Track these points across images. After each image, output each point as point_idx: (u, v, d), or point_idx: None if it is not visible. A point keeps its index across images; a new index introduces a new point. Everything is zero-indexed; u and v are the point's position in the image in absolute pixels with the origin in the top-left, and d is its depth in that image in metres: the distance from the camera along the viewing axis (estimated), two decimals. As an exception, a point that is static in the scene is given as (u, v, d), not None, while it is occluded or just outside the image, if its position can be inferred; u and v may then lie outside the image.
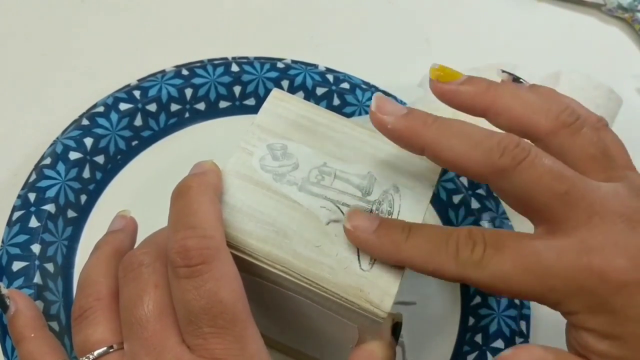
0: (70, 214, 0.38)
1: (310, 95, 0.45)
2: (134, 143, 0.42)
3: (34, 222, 0.36)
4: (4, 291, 0.30)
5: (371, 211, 0.28)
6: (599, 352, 0.25)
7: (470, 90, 0.28)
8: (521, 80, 0.30)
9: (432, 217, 0.42)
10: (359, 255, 0.27)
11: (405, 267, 0.27)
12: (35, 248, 0.35)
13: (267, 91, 0.36)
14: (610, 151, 0.27)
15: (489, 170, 0.25)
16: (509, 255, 0.25)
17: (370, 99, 0.45)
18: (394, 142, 0.28)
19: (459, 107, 0.29)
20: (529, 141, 0.26)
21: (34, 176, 0.38)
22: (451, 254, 0.25)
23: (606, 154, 0.27)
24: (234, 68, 0.45)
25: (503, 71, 0.30)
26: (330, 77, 0.46)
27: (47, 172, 0.38)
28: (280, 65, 0.46)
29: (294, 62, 0.46)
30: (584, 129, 0.27)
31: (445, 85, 0.28)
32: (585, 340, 0.25)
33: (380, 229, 0.26)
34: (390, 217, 0.28)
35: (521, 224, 0.42)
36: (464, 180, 0.42)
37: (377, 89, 0.46)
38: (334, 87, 0.45)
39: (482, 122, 0.28)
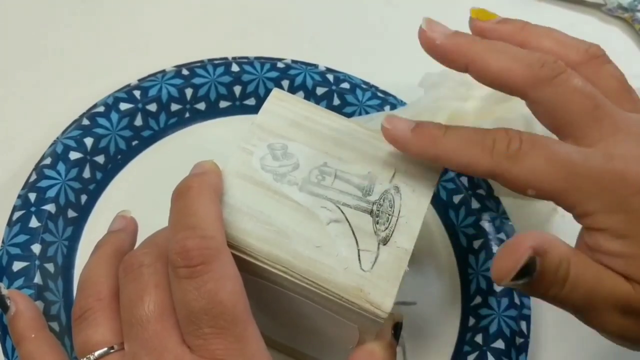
0: (71, 214, 0.38)
1: (310, 95, 0.45)
2: (134, 143, 0.42)
3: (34, 222, 0.36)
4: (4, 291, 0.30)
5: (371, 211, 0.28)
6: (610, 251, 0.26)
7: (507, 28, 0.30)
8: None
9: (432, 217, 0.42)
10: (359, 256, 0.27)
11: (405, 268, 0.27)
12: (36, 248, 0.35)
13: (267, 91, 0.36)
14: (629, 86, 0.29)
15: (528, 82, 0.27)
16: (542, 151, 0.26)
17: (370, 99, 0.45)
18: (439, 60, 0.29)
19: (500, 37, 0.30)
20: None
21: (34, 176, 0.38)
22: (487, 147, 0.27)
23: (627, 88, 0.29)
24: (234, 68, 0.45)
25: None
26: (330, 77, 0.46)
27: (48, 172, 0.38)
28: (280, 65, 0.46)
29: (294, 62, 0.46)
30: (609, 64, 0.29)
31: (485, 24, 0.31)
32: (596, 240, 0.26)
33: (417, 128, 0.28)
34: (390, 217, 0.28)
35: (521, 224, 0.42)
36: (464, 180, 0.42)
37: (377, 89, 0.46)
38: (334, 87, 0.45)
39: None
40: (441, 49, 0.29)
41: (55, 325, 0.33)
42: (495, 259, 0.26)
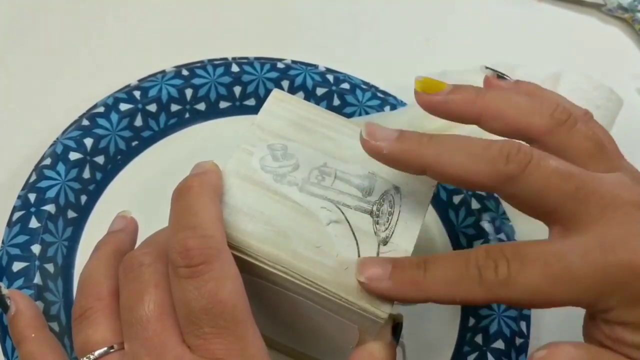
0: (71, 214, 0.38)
1: (310, 96, 0.45)
2: (134, 143, 0.42)
3: (34, 223, 0.36)
4: (5, 291, 0.30)
5: (371, 212, 0.28)
6: (635, 344, 0.25)
7: (458, 99, 0.28)
8: (505, 76, 0.30)
9: (432, 217, 0.42)
10: (359, 256, 0.27)
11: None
12: (36, 248, 0.35)
13: (267, 91, 0.36)
14: (603, 142, 0.27)
15: (495, 180, 0.25)
16: (534, 267, 0.24)
17: (370, 99, 0.45)
18: (393, 167, 0.27)
19: (450, 116, 0.28)
20: (527, 144, 0.26)
21: (34, 177, 0.38)
22: (474, 279, 0.24)
23: (601, 146, 0.27)
24: (234, 68, 0.45)
25: (487, 67, 0.30)
26: (330, 77, 0.46)
27: (47, 172, 0.38)
28: (280, 65, 0.46)
29: (294, 62, 0.46)
30: (577, 125, 0.27)
31: (433, 97, 0.28)
32: (618, 334, 0.25)
33: (395, 273, 0.25)
34: (390, 217, 0.28)
35: (522, 224, 0.42)
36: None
37: (377, 89, 0.46)
38: (334, 88, 0.45)
39: (474, 130, 0.28)
40: (392, 157, 0.26)
41: (55, 325, 0.33)
42: None
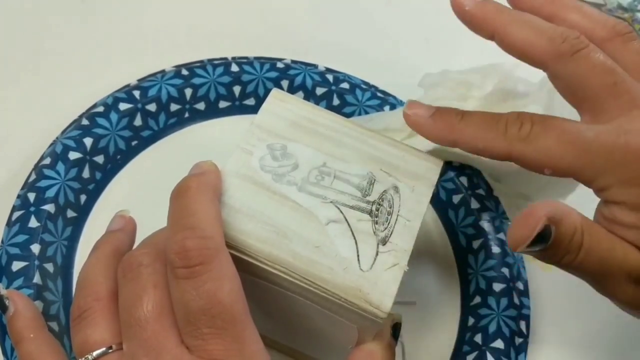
0: (70, 214, 0.38)
1: (310, 95, 0.45)
2: (133, 143, 0.42)
3: (33, 222, 0.36)
4: (3, 292, 0.30)
5: (371, 211, 0.28)
6: (625, 222, 0.27)
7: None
8: None
9: (431, 217, 0.42)
10: (358, 256, 0.27)
11: (404, 268, 0.27)
12: (35, 248, 0.35)
13: (267, 91, 0.36)
14: None
15: (550, 56, 0.28)
16: (553, 132, 0.27)
17: (370, 99, 0.45)
18: (467, 26, 0.30)
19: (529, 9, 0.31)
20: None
21: (33, 176, 0.38)
22: (501, 131, 0.28)
23: None
24: (234, 68, 0.45)
25: None
26: (330, 77, 0.46)
27: (47, 172, 0.38)
28: (280, 65, 0.46)
29: (293, 62, 0.46)
30: (634, 41, 0.30)
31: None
32: (613, 212, 0.27)
33: (436, 114, 0.30)
34: (389, 217, 0.28)
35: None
36: (463, 180, 0.42)
37: (376, 89, 0.46)
38: (333, 87, 0.45)
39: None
40: (469, 15, 0.30)
41: (54, 325, 0.33)
42: (510, 228, 0.27)
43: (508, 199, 0.42)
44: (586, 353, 0.39)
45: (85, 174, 0.39)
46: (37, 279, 0.34)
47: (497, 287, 0.38)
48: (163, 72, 0.44)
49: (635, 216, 0.27)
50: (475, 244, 0.40)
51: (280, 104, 0.31)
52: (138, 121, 0.42)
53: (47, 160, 0.38)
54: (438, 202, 0.43)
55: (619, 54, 0.29)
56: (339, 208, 0.28)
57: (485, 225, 0.40)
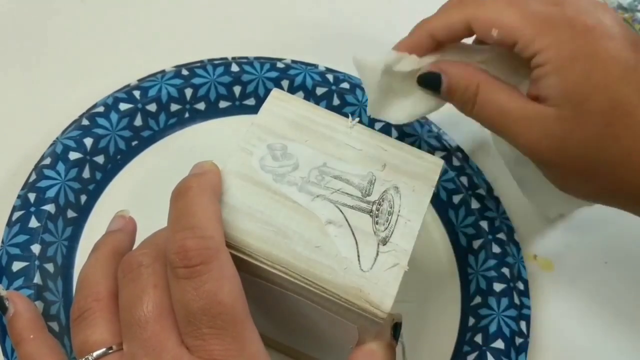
0: (70, 214, 0.38)
1: (310, 95, 0.45)
2: (133, 143, 0.42)
3: (33, 223, 0.36)
4: (3, 292, 0.30)
5: (371, 212, 0.28)
6: (546, 85, 0.31)
7: None
8: None
9: (432, 217, 0.42)
10: (358, 256, 0.27)
11: (405, 268, 0.27)
12: (35, 248, 0.35)
13: (267, 91, 0.36)
14: None
15: None
16: None
17: (370, 98, 0.45)
18: None
19: None
20: None
21: (33, 176, 0.38)
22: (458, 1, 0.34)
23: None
24: (234, 68, 0.45)
25: None
26: (330, 77, 0.46)
27: (47, 172, 0.38)
28: (280, 65, 0.46)
29: (293, 62, 0.46)
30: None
31: None
32: (537, 74, 0.31)
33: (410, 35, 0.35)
34: (390, 217, 0.28)
35: (522, 224, 0.42)
36: (464, 180, 0.42)
37: (377, 89, 0.46)
38: (333, 87, 0.45)
39: None
40: None
41: (54, 325, 0.33)
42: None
43: (509, 199, 0.42)
44: (586, 353, 0.39)
45: (86, 174, 0.39)
46: (37, 279, 0.34)
47: (498, 287, 0.38)
48: (163, 72, 0.44)
49: (553, 79, 0.30)
50: (476, 244, 0.40)
51: (281, 104, 0.31)
52: (138, 121, 0.42)
53: (48, 161, 0.38)
54: (438, 202, 0.43)
55: None
56: (339, 208, 0.28)
57: (486, 225, 0.40)
